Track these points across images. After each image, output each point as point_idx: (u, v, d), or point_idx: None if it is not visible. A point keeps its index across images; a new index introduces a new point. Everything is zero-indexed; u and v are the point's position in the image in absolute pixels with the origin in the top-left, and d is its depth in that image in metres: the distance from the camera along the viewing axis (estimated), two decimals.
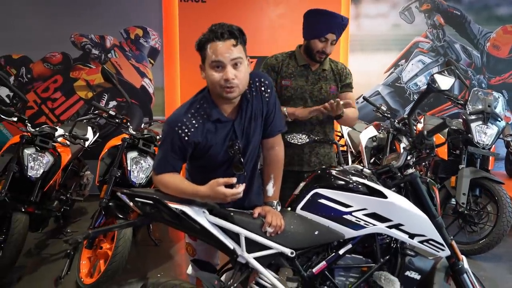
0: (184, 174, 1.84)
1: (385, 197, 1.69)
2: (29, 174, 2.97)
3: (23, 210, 2.88)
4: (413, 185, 1.78)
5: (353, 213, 1.69)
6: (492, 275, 3.06)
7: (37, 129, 3.15)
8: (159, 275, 3.00)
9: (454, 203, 3.35)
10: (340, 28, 2.21)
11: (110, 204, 2.76)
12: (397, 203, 1.69)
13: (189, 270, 2.04)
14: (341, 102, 2.06)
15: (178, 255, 3.43)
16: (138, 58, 5.20)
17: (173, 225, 1.65)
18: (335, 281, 1.76)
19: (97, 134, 4.07)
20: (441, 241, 1.74)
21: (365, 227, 1.69)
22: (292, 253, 1.68)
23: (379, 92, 5.40)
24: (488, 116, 3.41)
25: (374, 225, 1.69)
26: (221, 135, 1.66)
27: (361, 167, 1.87)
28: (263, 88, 1.70)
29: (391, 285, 1.69)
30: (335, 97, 2.25)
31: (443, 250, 1.75)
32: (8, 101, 5.02)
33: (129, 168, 2.93)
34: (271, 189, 1.79)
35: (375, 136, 4.37)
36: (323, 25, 2.19)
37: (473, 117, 3.45)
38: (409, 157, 1.80)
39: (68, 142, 3.37)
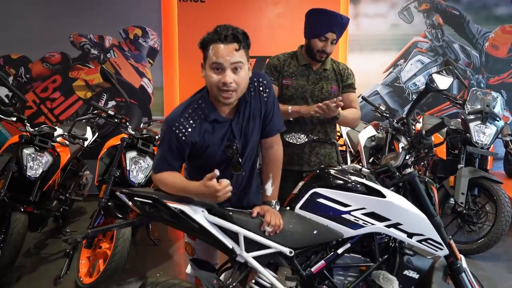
0: (183, 174, 1.85)
1: (383, 196, 1.70)
2: (28, 174, 2.98)
3: (22, 210, 2.88)
4: (411, 184, 1.79)
5: (351, 213, 1.70)
6: (491, 274, 3.07)
7: (36, 129, 3.16)
8: (158, 275, 3.00)
9: (453, 202, 3.36)
10: (340, 27, 2.21)
11: (109, 203, 2.76)
12: (396, 203, 1.70)
13: (188, 269, 2.04)
14: (333, 105, 2.05)
15: (177, 255, 3.43)
16: (137, 58, 5.19)
17: (172, 225, 1.65)
18: (334, 280, 1.76)
19: (96, 134, 4.07)
20: (440, 240, 1.74)
21: (363, 227, 1.70)
22: (291, 252, 1.68)
23: (378, 92, 5.40)
24: (486, 116, 3.41)
25: (372, 224, 1.69)
26: (219, 135, 1.66)
27: (360, 167, 1.88)
28: (261, 88, 1.70)
29: (390, 284, 1.69)
30: (336, 97, 2.25)
31: (441, 249, 1.75)
32: (7, 101, 5.02)
33: (128, 168, 2.94)
34: (270, 188, 1.79)
35: (374, 136, 4.38)
36: (323, 24, 2.19)
37: (471, 116, 3.46)
38: (407, 157, 1.80)
39: (67, 142, 3.37)
